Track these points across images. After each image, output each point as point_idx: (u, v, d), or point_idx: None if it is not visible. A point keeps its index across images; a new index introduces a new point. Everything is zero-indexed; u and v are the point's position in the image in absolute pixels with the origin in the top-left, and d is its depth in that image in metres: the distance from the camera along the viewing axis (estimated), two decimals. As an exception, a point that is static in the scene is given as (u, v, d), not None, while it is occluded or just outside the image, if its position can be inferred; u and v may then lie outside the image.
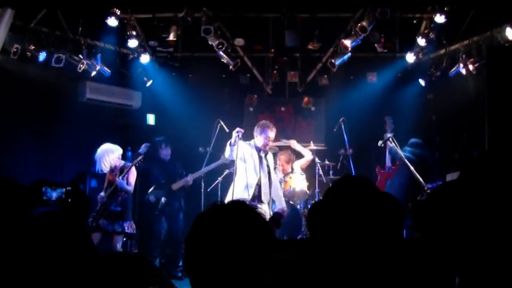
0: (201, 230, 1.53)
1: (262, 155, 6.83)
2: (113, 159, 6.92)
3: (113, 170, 6.94)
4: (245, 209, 1.57)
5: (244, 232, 1.51)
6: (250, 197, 6.61)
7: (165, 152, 8.36)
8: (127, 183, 6.90)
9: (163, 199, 8.07)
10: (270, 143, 6.88)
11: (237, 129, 6.65)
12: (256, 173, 6.73)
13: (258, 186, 6.74)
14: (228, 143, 6.67)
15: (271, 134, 6.80)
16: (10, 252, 2.50)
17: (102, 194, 6.84)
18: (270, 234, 1.57)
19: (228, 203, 1.61)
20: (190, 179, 8.12)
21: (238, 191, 6.66)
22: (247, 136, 6.91)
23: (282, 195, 7.17)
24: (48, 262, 2.13)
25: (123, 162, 7.04)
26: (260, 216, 1.57)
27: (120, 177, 6.80)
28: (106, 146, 6.95)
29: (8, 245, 2.65)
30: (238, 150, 6.60)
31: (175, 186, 8.14)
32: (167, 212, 8.11)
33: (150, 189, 8.18)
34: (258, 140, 6.82)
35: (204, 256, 1.49)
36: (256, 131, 6.86)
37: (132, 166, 6.94)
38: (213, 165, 7.91)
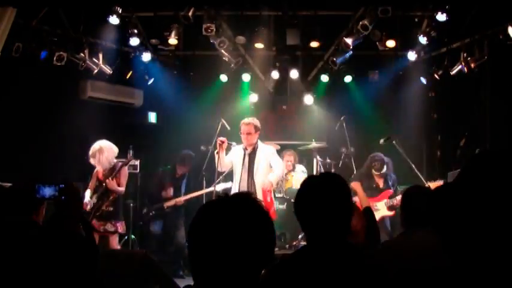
0: (205, 218, 1.55)
1: (247, 152, 6.83)
2: (113, 157, 6.86)
3: (105, 169, 6.83)
4: (248, 201, 1.59)
5: (246, 223, 1.53)
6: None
7: (184, 168, 8.37)
8: (118, 185, 6.72)
9: (152, 212, 8.18)
10: (245, 137, 6.74)
11: (219, 139, 6.73)
12: (239, 171, 6.79)
13: (239, 183, 6.77)
14: (215, 152, 6.78)
15: (242, 127, 6.80)
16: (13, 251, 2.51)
17: (88, 199, 6.68)
18: (271, 226, 1.59)
19: (232, 195, 1.63)
20: (182, 199, 8.11)
21: (233, 189, 6.85)
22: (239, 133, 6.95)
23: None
24: (50, 260, 2.13)
25: (115, 161, 7.01)
26: (262, 208, 1.59)
27: (110, 179, 6.70)
28: (108, 143, 6.89)
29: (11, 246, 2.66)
30: (229, 156, 6.84)
31: (166, 204, 8.15)
32: (161, 218, 8.19)
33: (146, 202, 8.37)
34: None
35: (206, 244, 1.51)
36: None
37: (121, 166, 6.77)
38: (208, 189, 7.82)
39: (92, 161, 6.76)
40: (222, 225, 1.52)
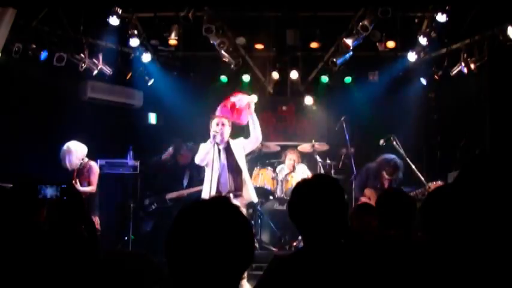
0: (183, 224, 1.55)
1: (221, 147, 6.52)
2: (81, 157, 6.88)
3: (76, 169, 6.85)
4: (225, 205, 1.59)
5: (225, 227, 1.53)
6: (213, 193, 6.33)
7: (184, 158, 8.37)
8: (89, 183, 6.82)
9: (154, 205, 8.13)
10: (220, 129, 6.42)
11: (214, 130, 6.43)
12: (216, 167, 6.41)
13: (218, 180, 6.45)
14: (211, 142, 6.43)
15: (214, 120, 6.52)
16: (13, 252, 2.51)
17: None
18: (250, 230, 1.59)
19: (209, 199, 1.63)
20: (185, 192, 8.07)
21: (205, 189, 6.50)
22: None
23: (251, 189, 6.71)
24: (51, 261, 2.13)
25: (86, 159, 6.98)
26: (240, 212, 1.60)
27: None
28: (75, 143, 6.90)
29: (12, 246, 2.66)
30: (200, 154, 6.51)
31: (169, 195, 8.13)
32: (156, 217, 8.14)
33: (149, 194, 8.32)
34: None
35: (185, 249, 1.51)
36: (210, 127, 6.57)
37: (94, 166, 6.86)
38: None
39: (63, 164, 6.82)
40: (200, 230, 1.52)
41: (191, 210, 1.58)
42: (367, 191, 7.35)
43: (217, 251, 1.50)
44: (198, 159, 6.60)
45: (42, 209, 3.35)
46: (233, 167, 6.57)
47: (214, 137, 6.40)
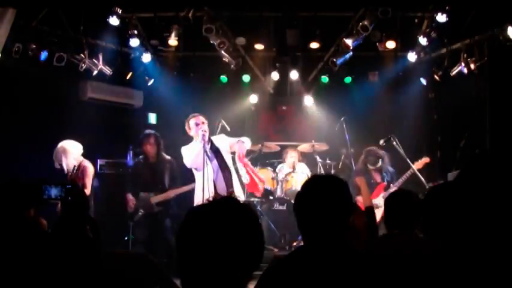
0: (192, 225, 1.55)
1: (207, 147, 6.31)
2: (78, 156, 6.78)
3: (72, 169, 6.71)
4: (236, 205, 1.59)
5: (235, 228, 1.53)
6: (211, 194, 6.11)
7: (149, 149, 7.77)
8: (82, 186, 6.57)
9: (140, 211, 7.58)
10: (205, 133, 6.27)
11: (203, 130, 6.27)
12: (209, 167, 6.24)
13: (214, 182, 6.33)
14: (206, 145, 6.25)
15: (196, 119, 6.39)
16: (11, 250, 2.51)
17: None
18: (260, 230, 1.59)
19: (220, 199, 1.63)
20: (172, 193, 7.56)
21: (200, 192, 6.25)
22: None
23: (238, 185, 6.56)
24: (52, 259, 2.13)
25: (81, 159, 6.85)
26: (252, 212, 1.59)
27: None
28: (70, 142, 6.80)
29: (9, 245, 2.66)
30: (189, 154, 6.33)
31: (154, 199, 7.56)
32: (148, 222, 7.66)
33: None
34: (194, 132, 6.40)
35: (195, 251, 1.51)
36: (188, 128, 6.49)
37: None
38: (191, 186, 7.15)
39: (56, 164, 6.72)
40: (211, 230, 1.51)
41: (202, 210, 1.58)
42: (358, 179, 7.35)
43: (229, 251, 1.50)
44: (189, 163, 6.41)
45: (31, 207, 3.33)
46: (224, 166, 6.51)
47: (204, 136, 6.25)
